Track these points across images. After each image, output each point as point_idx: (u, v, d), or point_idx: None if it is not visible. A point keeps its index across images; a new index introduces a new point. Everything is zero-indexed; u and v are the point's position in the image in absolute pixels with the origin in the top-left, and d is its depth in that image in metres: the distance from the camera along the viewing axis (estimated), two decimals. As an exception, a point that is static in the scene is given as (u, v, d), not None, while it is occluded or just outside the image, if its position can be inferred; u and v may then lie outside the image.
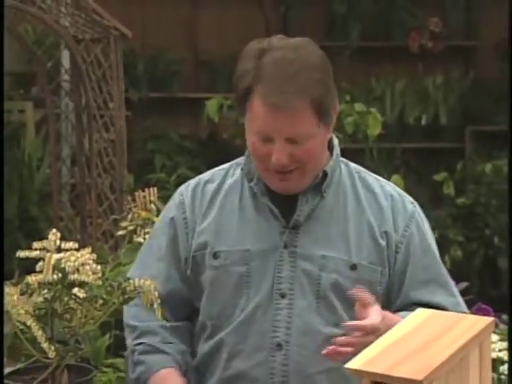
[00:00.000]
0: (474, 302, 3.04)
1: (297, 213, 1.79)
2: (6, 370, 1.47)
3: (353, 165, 1.89)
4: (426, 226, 1.87)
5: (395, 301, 1.83)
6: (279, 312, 1.76)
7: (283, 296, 1.76)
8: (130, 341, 1.86)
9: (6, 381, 1.44)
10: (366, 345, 1.49)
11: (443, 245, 5.17)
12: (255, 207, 1.81)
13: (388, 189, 1.86)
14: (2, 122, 2.03)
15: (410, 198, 1.89)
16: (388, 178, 3.31)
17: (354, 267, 1.77)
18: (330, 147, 1.85)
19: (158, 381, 1.78)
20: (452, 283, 1.88)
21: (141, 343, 1.83)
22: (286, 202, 1.79)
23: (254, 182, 1.82)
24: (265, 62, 1.70)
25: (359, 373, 1.26)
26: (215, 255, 1.80)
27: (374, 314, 1.62)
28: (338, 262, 1.77)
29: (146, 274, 1.78)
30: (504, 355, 2.65)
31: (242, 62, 1.75)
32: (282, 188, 1.78)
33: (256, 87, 1.70)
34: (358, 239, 1.79)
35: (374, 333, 1.56)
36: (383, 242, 1.80)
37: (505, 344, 2.71)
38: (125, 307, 1.75)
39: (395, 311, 1.80)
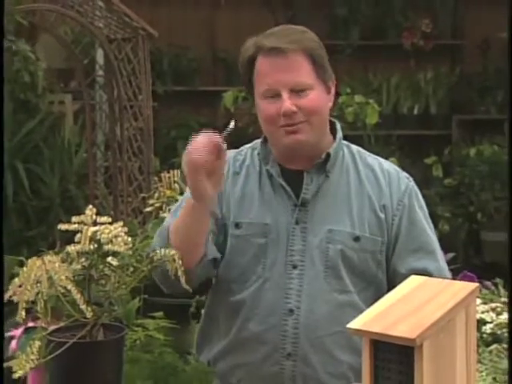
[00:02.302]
0: (460, 270, 3.03)
1: (303, 191, 1.77)
2: (51, 328, 1.48)
3: (354, 146, 1.87)
4: (419, 199, 1.85)
5: (388, 268, 1.81)
6: (291, 281, 1.74)
7: (295, 267, 1.75)
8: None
9: (50, 337, 1.45)
10: None
11: (432, 220, 5.12)
12: (272, 187, 1.79)
13: (385, 166, 1.84)
14: (2, 121, 2.00)
15: (406, 174, 1.86)
16: (384, 162, 3.30)
17: (357, 239, 1.76)
18: (334, 132, 1.83)
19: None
20: (440, 251, 1.84)
21: None
22: (297, 183, 1.77)
23: (270, 165, 1.80)
24: (266, 32, 1.77)
25: (360, 332, 1.26)
26: (237, 225, 1.78)
27: None
28: (344, 234, 1.75)
29: None
30: (486, 316, 2.65)
31: (244, 48, 1.79)
32: (292, 141, 1.74)
33: (258, 49, 1.75)
34: (360, 213, 1.77)
35: None
36: (382, 215, 1.78)
37: (487, 306, 2.71)
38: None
39: (387, 281, 1.79)
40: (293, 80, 1.71)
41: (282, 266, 1.75)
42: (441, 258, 1.84)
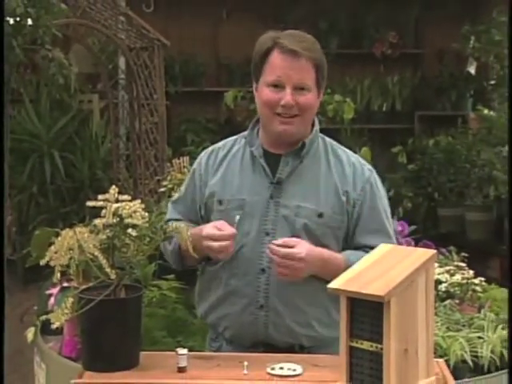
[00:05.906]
0: (420, 239, 3.03)
1: (279, 171, 1.76)
2: (81, 287, 1.47)
3: (328, 139, 1.85)
4: (380, 187, 1.81)
5: (351, 243, 1.78)
6: (264, 246, 1.72)
7: (267, 234, 1.73)
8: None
9: (81, 295, 1.44)
10: (295, 268, 1.61)
11: (398, 199, 5.16)
12: (252, 167, 1.78)
13: (352, 159, 1.81)
14: (3, 121, 1.96)
15: (369, 166, 1.83)
16: (359, 151, 3.28)
17: (320, 215, 1.74)
18: (312, 125, 1.81)
19: (194, 229, 1.72)
20: (392, 232, 1.81)
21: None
22: (275, 165, 1.77)
23: (255, 147, 1.79)
24: (282, 33, 1.76)
25: (338, 291, 1.25)
26: (220, 202, 1.77)
27: (300, 247, 1.64)
28: (309, 211, 1.74)
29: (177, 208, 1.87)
30: (442, 277, 2.65)
31: (261, 40, 1.77)
32: (283, 131, 1.74)
33: (276, 44, 1.73)
34: (325, 195, 1.75)
35: (300, 261, 1.62)
36: (344, 198, 1.75)
37: (442, 269, 2.71)
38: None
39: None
40: (299, 79, 1.71)
41: (256, 234, 1.74)
42: (394, 238, 1.81)
